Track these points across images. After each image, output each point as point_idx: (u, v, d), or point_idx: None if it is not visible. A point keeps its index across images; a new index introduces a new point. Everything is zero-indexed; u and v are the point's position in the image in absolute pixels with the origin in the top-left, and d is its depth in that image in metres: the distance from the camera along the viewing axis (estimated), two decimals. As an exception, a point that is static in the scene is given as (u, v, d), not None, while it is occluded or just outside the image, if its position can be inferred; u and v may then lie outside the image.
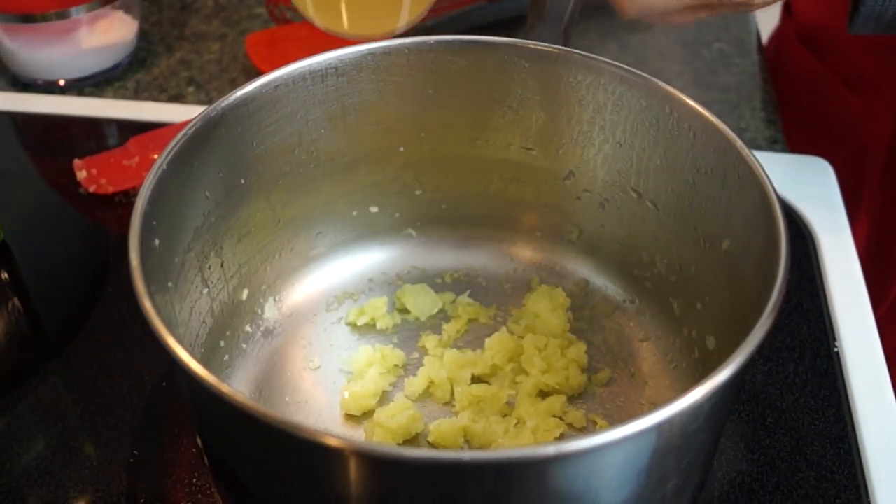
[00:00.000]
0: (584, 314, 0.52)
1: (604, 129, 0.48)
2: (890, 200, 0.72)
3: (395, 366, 0.49)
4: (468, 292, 0.52)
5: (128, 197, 0.61)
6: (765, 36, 0.84)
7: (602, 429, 0.33)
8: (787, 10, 0.83)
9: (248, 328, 0.49)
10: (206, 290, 0.45)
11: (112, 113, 0.69)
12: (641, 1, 0.49)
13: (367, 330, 0.51)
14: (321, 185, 0.50)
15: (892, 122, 0.70)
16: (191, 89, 0.73)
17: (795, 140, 0.70)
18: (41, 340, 0.53)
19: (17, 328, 0.54)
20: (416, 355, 0.50)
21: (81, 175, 0.62)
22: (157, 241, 0.39)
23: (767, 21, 0.85)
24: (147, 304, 0.34)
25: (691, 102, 0.44)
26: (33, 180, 0.65)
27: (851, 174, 0.62)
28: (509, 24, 0.77)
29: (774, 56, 0.83)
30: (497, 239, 0.54)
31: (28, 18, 0.68)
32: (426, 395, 0.48)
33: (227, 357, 0.48)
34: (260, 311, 0.50)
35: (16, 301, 0.56)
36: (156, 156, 0.62)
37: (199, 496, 0.45)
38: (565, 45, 0.48)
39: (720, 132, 0.43)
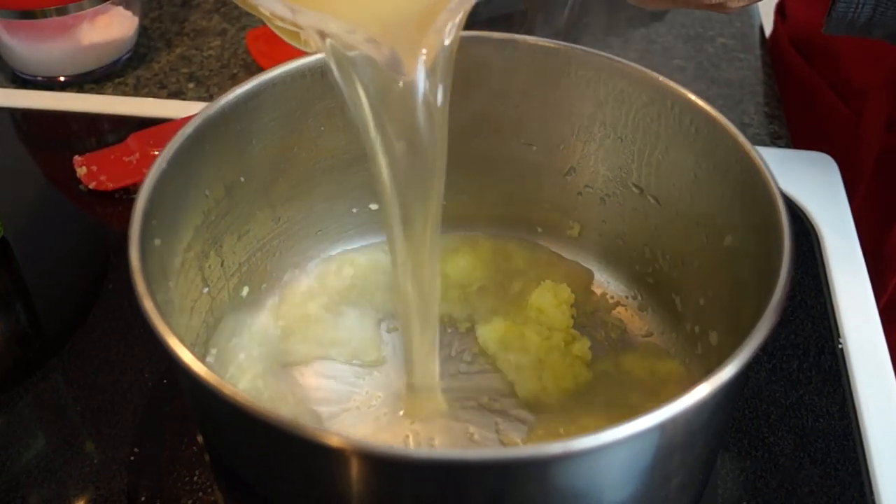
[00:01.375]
0: (587, 310, 0.51)
1: (605, 125, 0.48)
2: (877, 211, 0.72)
3: None
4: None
5: (128, 193, 0.61)
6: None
7: (606, 426, 0.32)
8: (780, 15, 0.83)
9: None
10: (206, 290, 0.45)
11: (112, 109, 0.69)
12: None
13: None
14: (321, 182, 0.50)
15: (879, 129, 0.70)
16: (191, 85, 0.73)
17: (794, 141, 0.70)
18: (41, 337, 0.53)
19: (18, 325, 0.54)
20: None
21: (81, 171, 0.62)
22: (157, 241, 0.38)
23: (765, 24, 0.85)
24: (148, 305, 0.34)
25: (693, 97, 0.44)
26: (33, 177, 0.65)
27: (844, 179, 0.63)
28: (510, 20, 0.76)
29: (769, 59, 0.83)
30: (497, 236, 0.54)
31: (28, 15, 0.68)
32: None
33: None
34: (260, 309, 0.50)
35: (16, 298, 0.56)
36: (156, 152, 0.62)
37: (200, 494, 0.45)
38: (566, 41, 0.47)
39: (722, 127, 0.43)
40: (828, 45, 0.74)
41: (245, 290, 0.49)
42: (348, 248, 0.53)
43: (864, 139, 0.71)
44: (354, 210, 0.52)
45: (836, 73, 0.75)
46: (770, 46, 0.84)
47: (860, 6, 0.52)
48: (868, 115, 0.71)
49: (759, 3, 0.65)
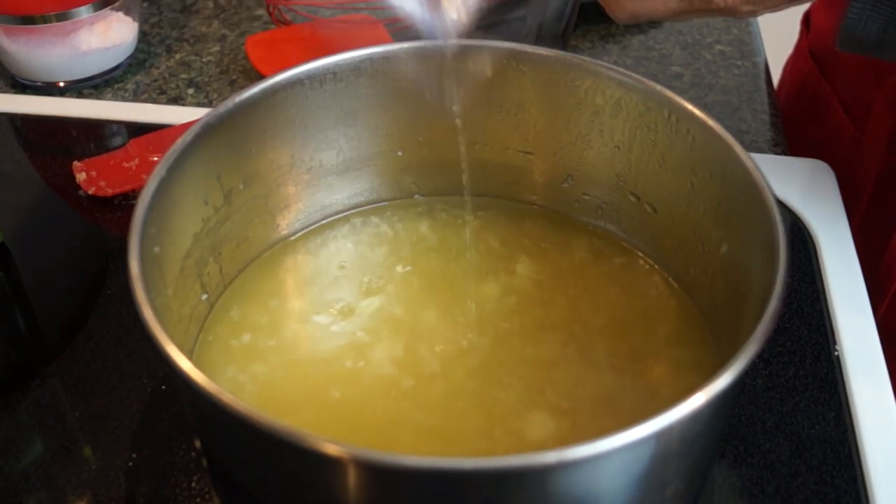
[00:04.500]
0: (584, 317, 0.52)
1: (602, 133, 0.48)
2: (875, 234, 0.71)
3: None
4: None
5: (127, 199, 0.61)
6: (782, 57, 0.85)
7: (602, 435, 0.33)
8: (805, 25, 0.83)
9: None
10: (205, 296, 0.45)
11: (111, 115, 0.69)
12: (631, 8, 0.53)
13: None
14: (319, 190, 0.50)
15: (881, 149, 0.70)
16: (190, 91, 0.73)
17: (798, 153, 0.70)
18: (40, 343, 0.53)
19: (16, 330, 0.54)
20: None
21: (81, 177, 0.62)
22: (156, 249, 0.39)
23: (782, 43, 0.86)
24: (147, 313, 0.34)
25: (689, 106, 0.44)
26: (33, 182, 0.65)
27: (844, 195, 0.63)
28: (508, 27, 0.77)
29: (789, 71, 0.83)
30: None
31: (28, 20, 0.68)
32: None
33: (226, 361, 0.48)
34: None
35: (15, 303, 0.56)
36: (156, 158, 0.63)
37: (198, 500, 0.45)
38: (563, 49, 0.48)
39: (719, 136, 0.43)
40: (842, 59, 0.74)
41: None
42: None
43: (866, 158, 0.71)
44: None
45: (847, 89, 0.74)
46: (791, 61, 0.84)
47: (868, 23, 0.52)
48: (870, 134, 0.71)
49: (763, 19, 0.65)
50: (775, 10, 0.55)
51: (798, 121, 0.77)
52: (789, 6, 0.54)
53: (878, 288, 0.69)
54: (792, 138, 0.71)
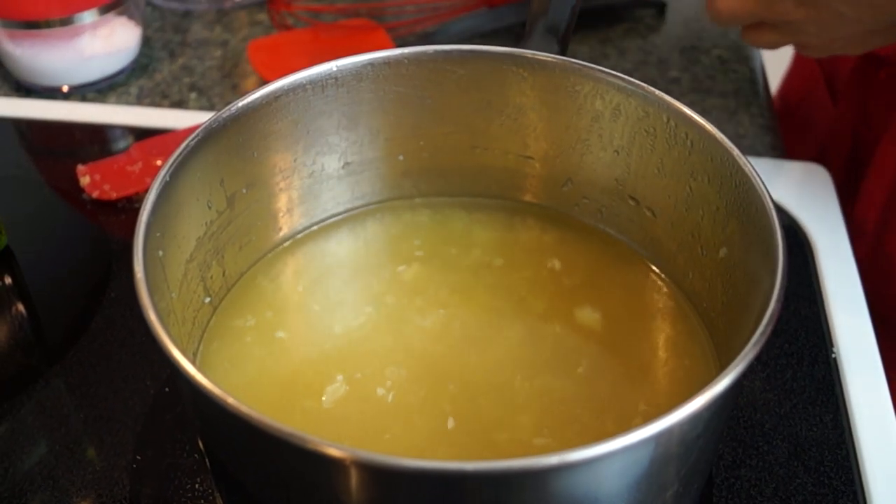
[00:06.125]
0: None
1: (601, 138, 0.48)
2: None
3: None
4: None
5: (131, 203, 0.62)
6: (779, 61, 0.85)
7: (603, 438, 0.33)
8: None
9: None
10: (208, 299, 0.46)
11: (115, 119, 0.70)
12: (719, 6, 0.58)
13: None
14: (321, 193, 0.50)
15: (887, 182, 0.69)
16: (193, 95, 0.74)
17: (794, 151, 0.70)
18: (44, 345, 0.54)
19: (21, 333, 0.54)
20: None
21: (85, 181, 0.62)
22: (160, 253, 0.39)
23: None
24: (152, 317, 0.34)
25: (688, 111, 0.44)
26: (37, 186, 0.65)
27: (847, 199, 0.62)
28: (509, 33, 0.77)
29: (792, 75, 0.83)
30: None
31: (32, 25, 0.68)
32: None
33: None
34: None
35: (19, 306, 0.56)
36: (159, 161, 0.63)
37: (202, 501, 0.45)
38: (562, 54, 0.48)
39: (717, 141, 0.43)
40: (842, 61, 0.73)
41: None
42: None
43: (879, 165, 0.70)
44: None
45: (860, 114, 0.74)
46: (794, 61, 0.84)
47: None
48: (876, 167, 0.70)
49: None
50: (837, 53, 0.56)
51: (798, 125, 0.77)
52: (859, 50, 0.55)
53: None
54: (791, 142, 0.71)
